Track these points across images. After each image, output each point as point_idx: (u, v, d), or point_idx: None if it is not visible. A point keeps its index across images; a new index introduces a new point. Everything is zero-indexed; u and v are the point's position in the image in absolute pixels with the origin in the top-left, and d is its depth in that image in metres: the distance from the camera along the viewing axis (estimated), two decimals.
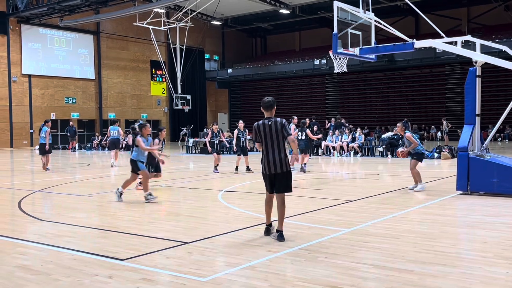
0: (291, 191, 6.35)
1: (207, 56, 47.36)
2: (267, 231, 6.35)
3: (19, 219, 8.03)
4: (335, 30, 11.34)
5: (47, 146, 16.36)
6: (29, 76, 35.51)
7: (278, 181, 6.22)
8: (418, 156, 10.91)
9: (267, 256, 5.37)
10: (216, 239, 6.26)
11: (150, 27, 35.52)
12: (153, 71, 43.06)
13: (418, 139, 11.27)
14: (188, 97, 39.17)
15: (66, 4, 32.31)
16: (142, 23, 35.26)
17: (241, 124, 15.34)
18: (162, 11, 35.56)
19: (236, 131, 15.40)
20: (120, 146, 23.80)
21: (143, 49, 42.02)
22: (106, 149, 29.35)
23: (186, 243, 6.03)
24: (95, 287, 4.48)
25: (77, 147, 31.56)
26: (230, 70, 45.69)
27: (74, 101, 38.04)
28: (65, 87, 37.55)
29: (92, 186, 12.82)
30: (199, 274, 4.79)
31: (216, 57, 48.84)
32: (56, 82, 37.01)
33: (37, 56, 35.92)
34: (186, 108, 38.95)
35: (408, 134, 10.86)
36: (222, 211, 8.39)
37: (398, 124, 11.65)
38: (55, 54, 36.92)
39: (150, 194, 9.42)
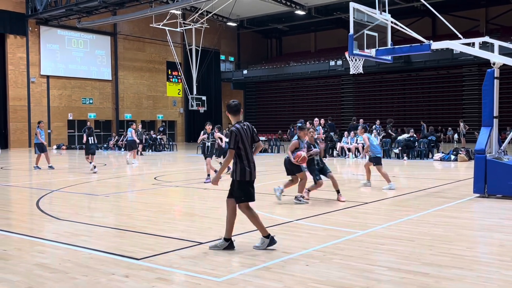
0: None
1: (222, 57, 47.52)
2: (273, 241, 5.77)
3: (38, 218, 8.16)
4: (351, 31, 11.31)
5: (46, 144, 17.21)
6: (47, 76, 36.00)
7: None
8: (375, 160, 11.33)
9: (282, 257, 5.38)
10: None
11: (167, 28, 35.78)
12: (169, 72, 43.34)
13: (376, 143, 11.53)
14: (204, 98, 39.35)
15: (84, 5, 32.70)
16: (158, 25, 35.53)
17: (208, 127, 14.40)
18: (178, 12, 35.79)
19: (202, 133, 14.17)
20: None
21: (159, 50, 42.32)
22: (122, 149, 29.63)
23: (201, 243, 6.07)
24: (112, 286, 4.54)
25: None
26: (245, 71, 45.80)
27: (91, 101, 38.45)
28: (82, 88, 37.99)
29: (108, 186, 12.95)
30: (214, 274, 4.82)
31: (232, 58, 48.99)
32: (74, 83, 37.46)
33: (55, 57, 36.40)
34: (202, 109, 39.12)
35: (364, 136, 11.06)
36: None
37: (359, 127, 11.83)
38: (73, 55, 37.37)
39: (302, 197, 9.13)
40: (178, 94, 44.35)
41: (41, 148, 17.73)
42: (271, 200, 9.60)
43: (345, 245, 5.89)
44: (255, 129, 6.05)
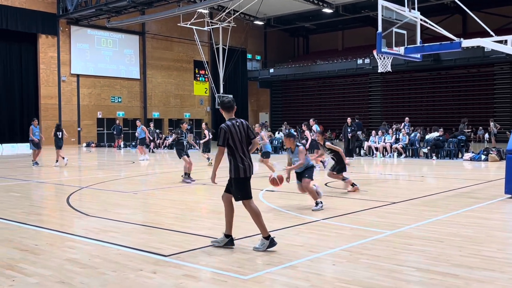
0: None
1: (249, 56, 47.59)
2: (273, 243, 5.63)
3: (68, 214, 8.33)
4: (380, 29, 11.18)
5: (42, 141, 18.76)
6: (77, 75, 36.67)
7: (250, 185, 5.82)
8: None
9: (308, 257, 5.36)
10: (257, 238, 6.29)
11: (194, 27, 35.99)
12: (196, 71, 43.65)
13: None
14: (230, 96, 39.40)
15: (113, 5, 33.17)
16: (186, 24, 35.77)
17: (184, 125, 14.31)
18: (206, 11, 35.98)
19: (177, 132, 13.93)
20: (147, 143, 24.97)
21: (186, 49, 42.65)
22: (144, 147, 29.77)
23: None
24: (140, 282, 4.60)
25: (122, 145, 32.37)
26: (272, 70, 45.75)
27: (119, 100, 39.01)
28: (111, 87, 38.57)
29: (136, 183, 13.13)
30: (241, 272, 4.84)
31: (258, 57, 49.02)
32: (103, 82, 38.07)
33: (85, 56, 37.05)
34: None
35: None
36: (262, 210, 8.41)
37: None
38: (102, 54, 37.97)
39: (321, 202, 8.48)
40: (205, 93, 44.62)
41: (37, 144, 18.57)
42: (299, 199, 9.58)
43: (373, 245, 5.84)
44: (250, 126, 5.94)
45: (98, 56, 37.67)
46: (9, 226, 7.16)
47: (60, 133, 18.46)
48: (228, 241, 5.76)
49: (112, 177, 14.21)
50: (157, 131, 34.23)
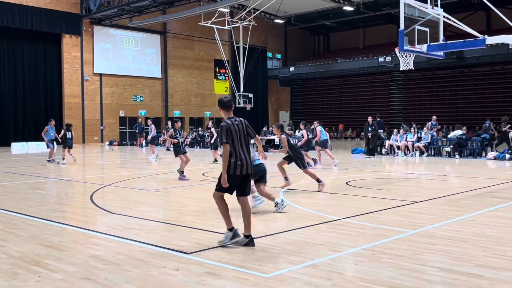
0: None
1: (269, 54, 47.59)
2: (236, 234, 5.80)
3: (91, 211, 8.46)
4: (402, 26, 11.10)
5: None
6: (100, 75, 37.16)
7: (245, 183, 5.92)
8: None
9: (330, 256, 5.35)
10: (278, 236, 6.32)
11: (215, 26, 36.15)
12: (217, 70, 43.83)
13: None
14: (250, 95, 39.57)
15: (135, 5, 33.52)
16: (207, 23, 35.95)
17: (178, 124, 14.14)
18: (226, 10, 36.09)
19: (171, 131, 14.02)
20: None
21: (207, 48, 42.85)
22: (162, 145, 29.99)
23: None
24: (163, 279, 4.65)
25: (144, 144, 32.67)
26: (292, 68, 45.67)
27: (141, 99, 39.41)
28: (133, 86, 38.99)
29: (158, 181, 13.25)
30: (262, 270, 4.85)
31: (279, 55, 48.98)
32: (125, 81, 38.50)
33: (108, 55, 37.52)
34: (248, 107, 39.36)
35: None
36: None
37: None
38: (124, 53, 38.40)
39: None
40: (226, 91, 44.76)
41: (52, 143, 19.23)
42: (321, 198, 9.56)
43: (395, 245, 5.79)
44: (249, 125, 6.02)
45: (120, 55, 38.10)
46: (35, 223, 7.31)
47: (69, 133, 18.88)
48: (233, 234, 5.81)
49: (134, 175, 14.37)
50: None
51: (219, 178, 5.84)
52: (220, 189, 5.86)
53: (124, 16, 36.04)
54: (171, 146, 14.23)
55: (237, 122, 5.81)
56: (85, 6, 35.76)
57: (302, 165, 10.40)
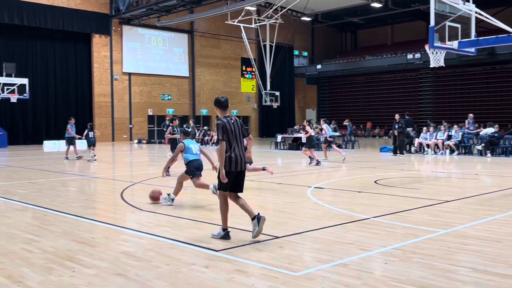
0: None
1: (296, 52, 47.42)
2: (227, 236, 5.99)
3: (122, 208, 8.59)
4: (432, 23, 10.90)
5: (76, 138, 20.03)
6: (129, 74, 37.66)
7: (240, 180, 6.14)
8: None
9: (359, 255, 5.31)
10: (306, 235, 6.30)
11: (241, 25, 36.24)
12: (243, 68, 43.92)
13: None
14: (277, 93, 39.53)
15: (163, 4, 33.83)
16: (234, 22, 36.06)
17: (176, 122, 14.42)
18: (253, 9, 36.12)
19: (170, 128, 14.29)
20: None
21: (234, 47, 42.97)
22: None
23: (277, 237, 6.13)
24: (193, 276, 4.70)
25: None
26: (319, 66, 45.40)
27: (169, 97, 39.79)
28: (161, 85, 39.40)
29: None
30: (291, 269, 4.85)
31: (305, 53, 48.77)
32: (153, 80, 38.93)
33: (136, 55, 37.99)
34: (275, 105, 39.35)
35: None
36: (311, 207, 8.41)
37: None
38: (152, 53, 38.82)
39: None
40: (252, 89, 44.83)
41: (70, 142, 19.77)
42: (349, 197, 9.50)
43: (426, 244, 5.71)
44: (243, 124, 6.31)
45: (148, 54, 38.54)
46: (67, 219, 7.47)
47: (92, 132, 19.90)
48: (224, 235, 6.05)
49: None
50: (205, 128, 34.71)
51: (218, 177, 6.04)
52: (221, 187, 6.07)
53: (152, 15, 36.42)
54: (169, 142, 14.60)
55: (232, 121, 6.09)
56: (114, 6, 36.28)
57: None
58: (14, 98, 29.32)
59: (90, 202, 9.49)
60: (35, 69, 33.85)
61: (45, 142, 28.30)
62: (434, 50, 11.92)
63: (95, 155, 19.28)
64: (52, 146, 27.10)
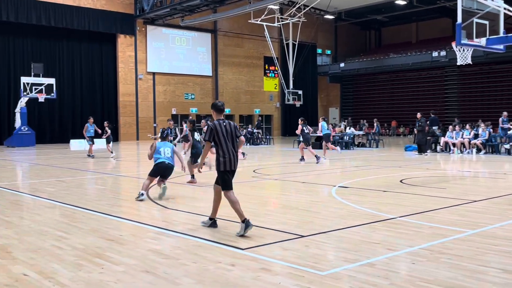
0: None
1: (319, 50, 47.19)
2: (248, 224, 6.21)
3: (148, 206, 8.69)
4: (459, 20, 10.74)
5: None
6: (153, 73, 38.03)
7: (232, 178, 6.56)
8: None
9: (386, 254, 5.27)
10: (332, 234, 6.28)
11: (264, 23, 36.24)
12: (266, 67, 43.92)
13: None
14: (300, 92, 39.40)
15: (187, 4, 34.06)
16: (257, 20, 36.08)
17: (170, 123, 15.01)
18: (276, 7, 36.08)
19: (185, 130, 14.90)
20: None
21: (257, 45, 43.00)
22: None
23: (302, 236, 6.13)
24: (219, 274, 4.73)
25: None
26: (342, 64, 45.11)
27: (193, 97, 40.05)
28: (185, 84, 39.68)
29: (209, 177, 13.41)
30: (317, 268, 4.84)
31: (328, 52, 48.50)
32: (177, 79, 39.24)
33: (160, 54, 38.34)
34: (298, 103, 39.23)
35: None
36: (336, 206, 8.37)
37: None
38: (176, 52, 39.13)
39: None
40: (275, 88, 44.80)
41: (91, 140, 20.60)
42: (374, 196, 9.42)
43: (454, 245, 5.63)
44: (237, 126, 6.74)
45: (172, 54, 38.86)
46: (95, 217, 7.60)
47: (110, 130, 21.04)
48: (212, 223, 6.67)
49: (186, 172, 14.61)
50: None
51: (220, 177, 6.52)
52: (223, 187, 6.52)
53: (176, 15, 36.69)
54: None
55: (224, 124, 6.52)
56: (139, 7, 36.68)
57: None
58: (41, 97, 29.93)
59: (116, 200, 9.63)
60: (62, 69, 34.46)
61: (71, 141, 28.78)
62: (461, 48, 11.75)
63: (112, 152, 20.11)
64: (79, 145, 27.52)
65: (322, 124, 19.14)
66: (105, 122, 21.66)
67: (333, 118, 46.68)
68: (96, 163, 17.77)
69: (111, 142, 21.15)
